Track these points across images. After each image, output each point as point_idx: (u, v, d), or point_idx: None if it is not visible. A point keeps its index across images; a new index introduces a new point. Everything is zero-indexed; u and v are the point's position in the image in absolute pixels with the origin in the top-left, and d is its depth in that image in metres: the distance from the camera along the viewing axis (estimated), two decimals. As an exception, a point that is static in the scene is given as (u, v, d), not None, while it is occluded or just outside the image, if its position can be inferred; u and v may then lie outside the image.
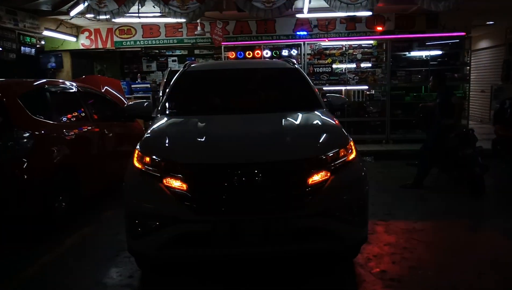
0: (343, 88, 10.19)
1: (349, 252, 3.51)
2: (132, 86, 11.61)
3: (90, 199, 5.44)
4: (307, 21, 10.76)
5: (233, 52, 10.31)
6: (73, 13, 9.10)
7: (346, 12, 8.31)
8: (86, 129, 5.38)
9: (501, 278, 3.38)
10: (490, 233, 4.43)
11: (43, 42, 11.39)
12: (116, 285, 3.39)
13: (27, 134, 4.27)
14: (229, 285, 3.35)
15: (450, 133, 5.87)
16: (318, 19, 10.69)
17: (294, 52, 10.29)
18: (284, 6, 8.27)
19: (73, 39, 11.33)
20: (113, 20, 8.89)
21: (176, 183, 2.99)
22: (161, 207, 3.00)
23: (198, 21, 10.08)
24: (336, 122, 3.75)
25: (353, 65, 10.16)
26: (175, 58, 12.90)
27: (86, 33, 11.45)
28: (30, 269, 3.70)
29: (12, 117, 4.26)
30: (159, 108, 4.26)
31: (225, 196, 2.96)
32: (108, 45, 11.48)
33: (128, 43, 11.43)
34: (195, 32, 10.78)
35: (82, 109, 5.56)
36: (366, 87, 10.26)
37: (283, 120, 3.62)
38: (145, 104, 4.28)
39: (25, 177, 4.16)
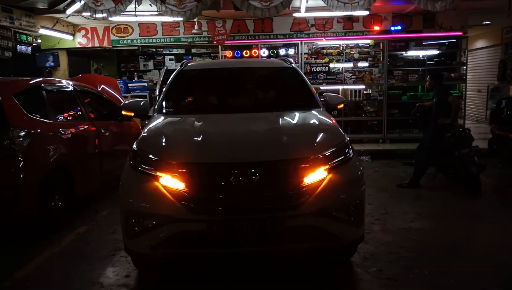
0: (340, 87, 10.20)
1: (345, 251, 3.52)
2: (129, 85, 11.57)
3: (86, 198, 5.42)
4: (304, 20, 10.76)
5: (230, 51, 10.29)
6: (69, 11, 9.06)
7: (343, 11, 8.31)
8: (82, 128, 5.36)
9: (498, 278, 3.39)
10: (487, 232, 4.45)
11: (39, 41, 11.33)
12: (112, 284, 3.38)
13: (23, 133, 4.25)
14: (227, 286, 3.35)
15: (446, 132, 5.89)
16: (315, 18, 10.69)
17: (291, 51, 10.29)
18: (281, 5, 8.26)
19: (70, 37, 11.27)
20: (110, 18, 8.86)
21: (172, 183, 2.98)
22: (158, 206, 2.99)
23: (195, 20, 10.05)
24: (333, 121, 3.75)
25: (350, 65, 10.18)
26: (172, 57, 12.86)
27: (83, 32, 11.39)
28: (26, 269, 3.68)
29: (8, 115, 4.23)
30: (155, 107, 4.25)
31: (222, 195, 2.95)
32: (105, 44, 11.43)
33: (125, 41, 11.39)
34: (192, 31, 10.75)
35: (79, 108, 5.53)
36: (363, 86, 10.29)
37: (280, 119, 3.61)
38: (142, 103, 4.26)
39: (21, 176, 4.14)
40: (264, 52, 10.31)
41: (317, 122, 3.71)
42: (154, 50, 12.79)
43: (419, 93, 10.14)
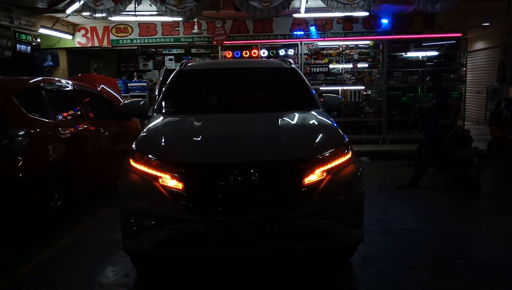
0: (339, 88, 10.21)
1: (345, 252, 3.51)
2: (129, 84, 11.57)
3: (86, 198, 5.41)
4: (304, 21, 10.76)
5: (230, 52, 10.29)
6: (69, 11, 9.06)
7: (343, 12, 8.32)
8: (81, 128, 5.35)
9: (497, 279, 3.39)
10: (486, 233, 4.44)
11: (39, 40, 11.32)
12: (111, 284, 3.37)
13: (22, 132, 4.24)
14: (226, 286, 3.35)
15: (446, 133, 5.89)
16: (315, 19, 10.70)
17: (291, 51, 10.30)
18: (281, 5, 8.27)
19: (69, 37, 11.26)
20: (110, 18, 8.86)
21: (171, 183, 2.98)
22: (157, 206, 2.99)
23: (195, 20, 10.06)
24: (333, 122, 3.74)
25: (350, 65, 10.19)
26: (172, 57, 12.85)
27: (82, 31, 11.39)
28: (25, 268, 3.68)
29: (7, 115, 4.23)
30: (155, 107, 4.25)
31: (221, 195, 2.95)
32: (105, 44, 11.43)
33: (125, 41, 11.39)
34: (192, 31, 10.76)
35: (78, 108, 5.53)
36: (363, 87, 10.30)
37: (279, 119, 3.61)
38: (141, 102, 4.26)
39: (20, 175, 4.13)
40: (264, 53, 10.32)
41: (316, 123, 3.71)
42: (153, 50, 12.79)
43: (419, 94, 10.15)
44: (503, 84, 11.99)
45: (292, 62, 5.10)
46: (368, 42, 10.28)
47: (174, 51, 12.78)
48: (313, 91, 4.48)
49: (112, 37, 11.34)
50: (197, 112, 4.07)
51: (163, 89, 4.52)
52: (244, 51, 10.31)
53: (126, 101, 5.15)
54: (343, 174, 3.16)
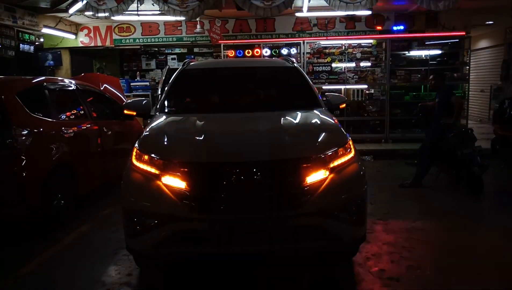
0: (342, 87, 10.19)
1: (347, 251, 3.50)
2: (131, 84, 11.59)
3: (89, 197, 5.43)
4: (307, 20, 10.74)
5: (232, 51, 10.30)
6: (72, 10, 9.08)
7: (346, 11, 8.31)
8: (84, 127, 5.37)
9: (500, 278, 3.38)
10: (489, 233, 4.43)
11: (42, 40, 11.35)
12: (114, 283, 3.38)
13: (26, 132, 4.26)
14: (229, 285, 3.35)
15: (449, 132, 5.87)
16: (317, 18, 10.68)
17: (293, 50, 10.28)
18: (283, 4, 8.26)
19: (72, 36, 11.30)
20: (112, 18, 8.87)
21: (174, 182, 2.98)
22: (159, 205, 2.99)
23: (197, 19, 10.06)
24: (335, 121, 3.74)
25: (353, 64, 10.16)
26: (175, 56, 12.88)
27: (85, 31, 11.42)
28: (28, 266, 3.69)
29: (10, 114, 4.24)
30: (157, 106, 4.25)
31: (223, 194, 2.95)
32: (107, 43, 11.46)
33: (127, 41, 11.41)
34: (195, 31, 10.77)
35: (81, 107, 5.54)
36: (366, 86, 10.27)
37: (282, 119, 3.61)
38: (144, 102, 4.26)
39: (24, 174, 4.15)
40: (266, 52, 10.31)
41: (319, 122, 3.70)
42: (156, 49, 12.83)
43: (422, 93, 10.11)
44: (506, 83, 11.94)
45: (294, 61, 5.09)
46: (371, 41, 10.26)
47: (177, 50, 12.81)
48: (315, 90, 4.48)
49: (115, 36, 11.36)
50: (199, 111, 4.08)
51: (166, 88, 4.53)
52: (247, 50, 10.30)
53: (129, 100, 5.16)
54: (346, 173, 3.16)
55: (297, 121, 3.72)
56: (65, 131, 4.86)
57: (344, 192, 3.12)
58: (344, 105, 4.50)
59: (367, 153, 8.66)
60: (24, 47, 10.40)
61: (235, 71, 4.89)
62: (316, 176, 3.02)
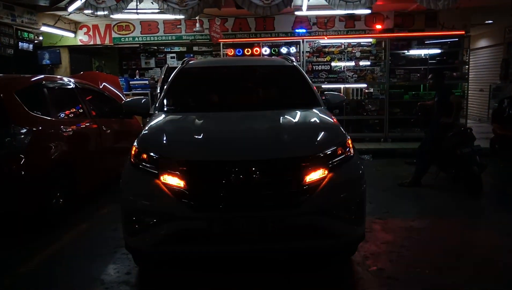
0: (341, 86, 10.18)
1: (346, 250, 3.51)
2: (131, 82, 11.57)
3: (88, 195, 5.42)
4: (306, 18, 10.73)
5: (231, 49, 10.29)
6: (71, 8, 9.05)
7: (345, 10, 8.29)
8: (83, 126, 5.36)
9: (499, 277, 3.38)
10: (488, 232, 4.44)
11: (41, 38, 11.33)
12: (113, 281, 3.38)
13: (24, 130, 4.25)
14: (228, 283, 3.35)
15: (448, 131, 5.87)
16: (317, 17, 10.67)
17: (293, 49, 10.28)
18: (282, 3, 8.24)
19: (71, 35, 11.27)
20: (111, 16, 8.85)
21: (173, 180, 2.98)
22: (158, 204, 2.99)
23: (197, 18, 10.05)
24: (334, 120, 3.74)
25: (352, 63, 10.15)
26: (174, 54, 12.86)
27: (84, 29, 11.39)
28: (27, 265, 3.69)
29: (9, 113, 4.24)
30: (156, 105, 4.25)
31: (222, 193, 2.95)
32: (107, 41, 11.43)
33: (127, 39, 11.39)
34: (194, 29, 10.75)
35: (80, 106, 5.54)
36: (365, 85, 10.26)
37: (281, 117, 3.61)
38: (143, 100, 4.26)
39: (22, 173, 4.15)
40: (266, 50, 10.30)
41: (318, 121, 3.70)
42: (155, 48, 12.80)
43: (421, 92, 10.11)
44: (506, 82, 11.95)
45: (294, 60, 5.09)
46: (370, 40, 10.25)
47: (176, 49, 12.79)
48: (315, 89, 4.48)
49: (114, 35, 11.34)
50: (198, 110, 4.08)
51: (165, 87, 4.53)
52: (246, 49, 10.28)
53: (128, 99, 5.15)
54: (345, 172, 3.16)
55: (296, 120, 3.72)
56: (64, 130, 4.85)
57: (343, 191, 3.12)
58: (343, 104, 4.49)
59: (366, 152, 8.66)
60: (23, 45, 10.37)
61: (234, 70, 4.89)
62: (315, 175, 3.03)
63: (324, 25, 10.72)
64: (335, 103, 4.33)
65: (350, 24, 10.75)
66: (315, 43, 10.33)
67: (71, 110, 5.43)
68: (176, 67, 4.92)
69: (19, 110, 4.36)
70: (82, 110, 5.53)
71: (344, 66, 10.16)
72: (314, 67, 10.20)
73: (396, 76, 10.01)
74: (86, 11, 8.90)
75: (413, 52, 10.18)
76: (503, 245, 4.02)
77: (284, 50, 10.26)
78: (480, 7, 9.87)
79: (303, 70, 5.06)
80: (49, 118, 4.73)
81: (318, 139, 3.29)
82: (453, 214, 5.01)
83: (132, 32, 11.30)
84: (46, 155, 4.47)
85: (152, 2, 8.57)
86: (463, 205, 5.33)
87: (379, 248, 3.90)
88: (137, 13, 9.09)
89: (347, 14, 9.72)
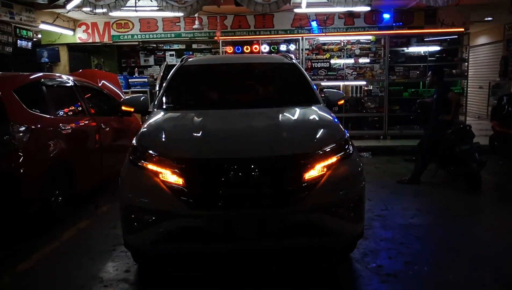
0: (341, 83, 10.17)
1: (345, 247, 3.52)
2: (130, 80, 11.57)
3: (87, 193, 5.42)
4: (306, 16, 10.71)
5: (231, 47, 10.27)
6: (69, 6, 9.03)
7: (345, 7, 8.29)
8: (82, 124, 5.35)
9: (497, 274, 3.39)
10: (487, 229, 4.44)
11: (39, 36, 11.31)
12: (112, 279, 3.38)
13: (23, 128, 4.24)
14: (227, 281, 3.36)
15: (447, 129, 5.88)
16: (316, 14, 10.65)
17: (292, 47, 10.26)
18: (282, 0, 8.23)
19: (70, 32, 11.25)
20: (110, 13, 8.84)
21: (172, 178, 2.98)
22: (157, 201, 2.99)
23: (196, 15, 10.03)
24: (333, 117, 3.73)
25: (351, 61, 10.14)
26: (173, 52, 12.85)
27: (83, 27, 11.37)
28: (26, 263, 3.69)
29: (8, 111, 4.22)
30: (155, 103, 4.24)
31: (221, 191, 2.95)
32: (106, 39, 11.42)
33: (126, 37, 11.37)
34: (193, 27, 10.73)
35: (79, 103, 5.52)
36: (364, 82, 10.25)
37: (280, 115, 3.61)
38: (142, 98, 4.25)
39: (21, 171, 4.14)
40: (265, 48, 10.28)
41: (317, 118, 3.69)
42: (154, 45, 12.79)
43: (420, 89, 10.11)
44: (505, 79, 11.95)
45: (293, 57, 5.08)
46: (370, 37, 10.23)
47: (175, 46, 12.78)
48: (314, 86, 4.47)
49: (113, 32, 11.32)
50: (197, 108, 4.07)
51: (164, 84, 4.52)
52: (245, 46, 10.27)
53: (127, 97, 5.15)
54: (344, 170, 3.16)
55: (295, 117, 3.71)
56: (63, 128, 4.84)
57: (342, 189, 3.12)
58: (342, 102, 4.50)
59: (365, 150, 8.67)
60: (21, 43, 10.35)
61: (233, 67, 4.89)
62: (314, 173, 3.02)
63: (324, 22, 10.70)
64: (334, 101, 4.33)
65: (350, 21, 10.74)
66: (314, 41, 10.32)
67: (70, 108, 5.41)
68: (175, 64, 4.91)
69: (18, 108, 4.34)
70: (81, 108, 5.52)
71: (343, 63, 10.15)
72: (313, 64, 10.19)
73: (396, 73, 10.01)
74: (84, 9, 8.87)
75: (413, 49, 10.17)
76: (502, 242, 4.02)
77: (283, 47, 10.25)
78: (479, 4, 9.86)
79: (302, 67, 5.05)
80: (48, 116, 4.72)
81: (317, 136, 3.29)
82: (452, 211, 5.02)
83: (131, 29, 11.28)
84: (45, 153, 4.46)
85: (151, 0, 8.55)
86: (462, 202, 5.33)
87: (378, 245, 3.91)
88: (136, 10, 9.08)
89: (347, 11, 9.70)
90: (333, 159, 3.11)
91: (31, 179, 4.18)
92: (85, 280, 3.40)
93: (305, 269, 3.48)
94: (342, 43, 10.24)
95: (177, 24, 11.13)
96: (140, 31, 11.26)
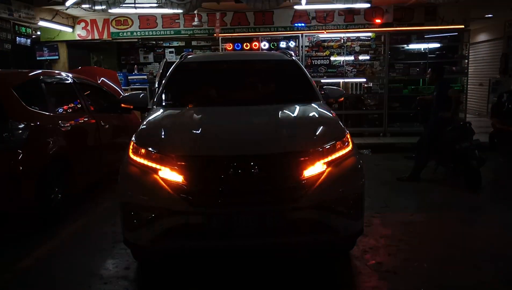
0: (341, 80, 10.16)
1: (345, 244, 3.51)
2: (129, 77, 11.52)
3: (86, 190, 5.42)
4: (305, 12, 10.68)
5: (230, 44, 10.24)
6: (68, 3, 8.99)
7: (345, 4, 8.27)
8: (82, 121, 5.34)
9: (497, 271, 3.39)
10: (486, 226, 4.44)
11: (38, 33, 11.27)
12: (112, 276, 3.38)
13: (22, 126, 4.23)
14: (227, 279, 3.36)
15: (447, 126, 5.87)
16: (316, 11, 10.62)
17: (292, 44, 10.24)
18: (282, -3, 8.21)
19: (69, 29, 11.21)
20: (109, 10, 8.81)
21: (171, 175, 2.98)
22: (156, 199, 2.98)
23: (195, 12, 10.00)
24: (333, 114, 3.73)
25: (351, 58, 10.13)
26: (172, 49, 12.81)
27: (82, 24, 11.33)
28: (26, 261, 3.69)
29: (7, 108, 4.21)
30: (155, 100, 4.24)
31: (221, 188, 2.94)
32: (105, 36, 11.38)
33: (125, 34, 11.33)
34: (193, 24, 10.69)
35: (78, 101, 5.51)
36: (364, 79, 10.24)
37: (280, 112, 3.60)
38: (141, 95, 4.24)
39: (20, 168, 4.13)
40: (265, 45, 10.26)
41: (317, 115, 3.69)
42: (154, 42, 12.74)
43: (420, 86, 10.10)
44: (505, 77, 11.93)
45: (292, 54, 5.07)
46: (370, 34, 10.21)
47: (175, 43, 12.73)
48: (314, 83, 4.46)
49: (112, 29, 11.28)
50: (197, 105, 4.07)
51: (163, 81, 4.51)
52: (245, 44, 10.25)
53: (126, 94, 5.13)
54: (344, 167, 3.15)
55: (295, 114, 3.70)
56: (62, 125, 4.83)
57: (342, 186, 3.11)
58: (342, 99, 4.49)
59: (365, 147, 8.67)
60: (20, 40, 10.32)
61: (233, 64, 4.87)
62: (314, 170, 3.02)
63: (324, 19, 10.67)
64: (334, 98, 4.32)
65: (350, 18, 10.70)
66: (314, 38, 10.29)
67: (69, 105, 5.40)
68: (175, 61, 4.90)
69: (17, 105, 4.33)
70: (80, 105, 5.51)
71: (343, 60, 10.13)
72: (313, 61, 10.18)
73: (396, 70, 9.99)
74: (83, 6, 8.83)
75: (413, 46, 10.15)
76: (501, 239, 4.03)
77: (283, 44, 10.22)
78: (480, 0, 9.83)
79: (302, 64, 5.03)
80: (47, 113, 4.71)
81: (317, 133, 3.28)
82: (452, 208, 5.02)
83: (130, 26, 11.24)
84: (44, 151, 4.45)
85: (150, -4, 8.53)
86: (462, 200, 5.34)
87: (377, 242, 3.91)
88: (135, 7, 9.05)
89: (347, 8, 9.67)
90: (333, 156, 3.11)
91: (30, 177, 4.17)
92: (84, 277, 3.40)
93: (305, 266, 3.48)
94: (342, 40, 10.21)
95: (176, 21, 11.09)
96: (139, 28, 11.21)
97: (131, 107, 4.26)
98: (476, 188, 5.63)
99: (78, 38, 11.42)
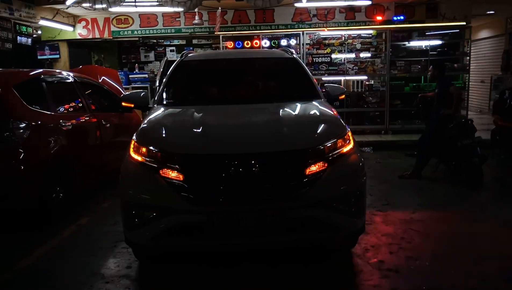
0: (342, 78, 10.14)
1: (346, 242, 3.51)
2: (130, 76, 11.54)
3: (88, 190, 5.42)
4: (306, 10, 10.66)
5: (231, 42, 10.23)
6: (69, 2, 9.00)
7: (345, 1, 8.25)
8: (83, 120, 5.34)
9: (499, 268, 3.38)
10: (488, 223, 4.43)
11: (39, 32, 11.28)
12: (113, 275, 3.39)
13: (23, 125, 4.24)
14: (228, 277, 3.36)
15: (449, 123, 5.85)
16: (317, 9, 10.59)
17: (293, 41, 10.22)
18: (282, -5, 8.20)
19: (70, 28, 11.22)
20: (110, 9, 8.81)
21: (172, 174, 2.97)
22: (158, 198, 2.99)
23: (196, 10, 9.98)
24: (334, 112, 3.72)
25: (352, 55, 10.10)
26: (173, 48, 12.81)
27: (83, 23, 11.34)
28: (27, 260, 3.69)
29: (8, 107, 4.22)
30: (155, 98, 4.23)
31: (222, 186, 2.94)
32: (106, 35, 11.38)
33: (126, 32, 11.33)
34: (193, 22, 10.68)
35: (79, 100, 5.52)
36: (365, 77, 10.21)
37: (281, 110, 3.59)
38: (142, 94, 4.24)
39: (22, 168, 4.14)
40: (266, 43, 10.24)
41: (318, 113, 3.68)
42: (155, 41, 12.75)
43: (422, 83, 10.07)
44: (507, 73, 11.89)
45: (293, 52, 5.05)
46: (371, 31, 10.18)
47: (176, 42, 12.73)
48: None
49: (113, 28, 11.28)
50: (198, 103, 4.06)
51: (164, 80, 4.50)
52: (246, 42, 10.23)
53: (127, 93, 5.13)
54: (345, 165, 3.15)
55: (296, 112, 3.70)
56: (64, 124, 4.83)
57: (343, 184, 3.11)
58: (343, 96, 4.48)
59: (366, 145, 8.65)
60: (21, 39, 10.32)
61: (234, 63, 4.86)
62: (315, 168, 3.01)
63: (324, 17, 10.64)
64: (335, 95, 4.31)
65: (351, 15, 10.68)
66: (315, 35, 10.27)
67: (70, 104, 5.40)
68: (175, 60, 4.90)
69: (18, 105, 4.34)
70: (81, 104, 5.51)
71: (344, 58, 10.10)
72: (314, 59, 10.15)
73: (397, 67, 9.96)
74: (84, 5, 8.85)
75: (414, 43, 10.11)
76: (503, 237, 4.02)
77: (284, 42, 10.20)
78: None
79: (303, 62, 5.02)
80: (48, 112, 4.71)
81: (318, 131, 3.28)
82: (454, 206, 5.01)
83: (131, 25, 11.23)
84: (45, 150, 4.46)
85: (150, -5, 8.53)
86: (463, 197, 5.32)
87: (379, 240, 3.91)
88: (136, 6, 9.05)
89: (347, 5, 9.65)
90: (334, 154, 3.10)
91: (31, 176, 4.18)
92: (86, 276, 3.40)
93: (306, 265, 3.48)
94: (343, 37, 10.18)
95: (177, 19, 11.08)
96: (140, 27, 11.21)
97: (132, 106, 4.26)
98: (478, 185, 5.62)
99: (79, 37, 11.44)
